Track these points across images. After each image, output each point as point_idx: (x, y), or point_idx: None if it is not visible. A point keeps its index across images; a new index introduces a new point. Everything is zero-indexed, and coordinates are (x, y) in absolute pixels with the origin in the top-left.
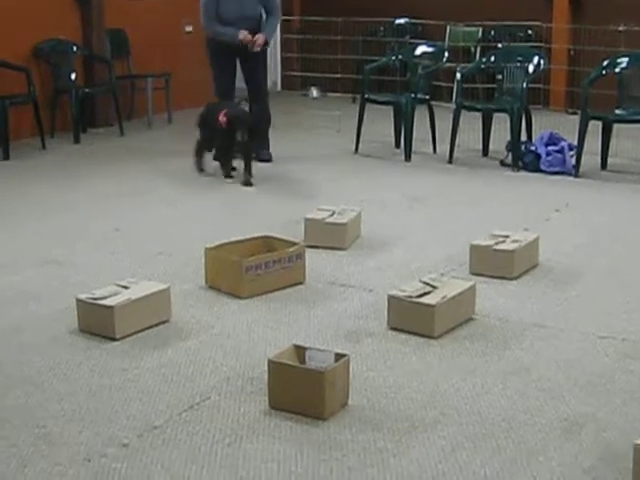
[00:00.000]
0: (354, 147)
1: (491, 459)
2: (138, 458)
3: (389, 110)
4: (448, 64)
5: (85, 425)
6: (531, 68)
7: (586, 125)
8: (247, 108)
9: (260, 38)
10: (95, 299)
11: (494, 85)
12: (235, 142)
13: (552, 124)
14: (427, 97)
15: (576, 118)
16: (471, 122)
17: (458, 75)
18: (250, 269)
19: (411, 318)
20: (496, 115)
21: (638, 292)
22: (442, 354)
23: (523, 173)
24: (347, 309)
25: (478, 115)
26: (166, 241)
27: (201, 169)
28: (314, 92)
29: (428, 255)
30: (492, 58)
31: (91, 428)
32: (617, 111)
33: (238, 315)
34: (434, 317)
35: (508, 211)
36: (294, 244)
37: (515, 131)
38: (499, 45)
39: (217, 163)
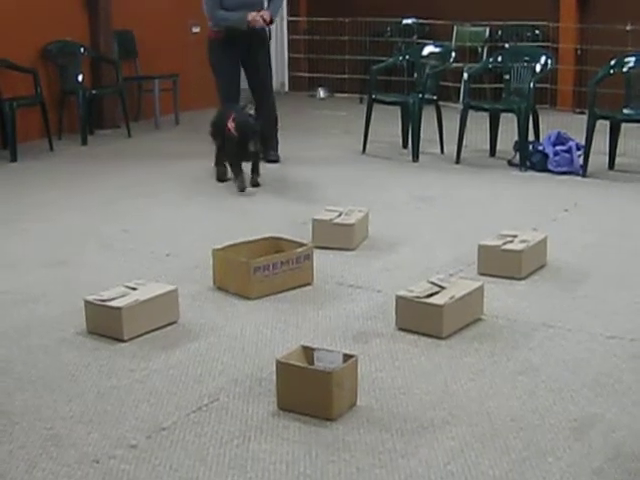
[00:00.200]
0: (361, 147)
1: (500, 459)
2: (146, 459)
3: (396, 110)
4: (455, 64)
5: (93, 426)
6: (538, 68)
7: (594, 125)
8: (253, 111)
9: (265, 14)
10: (103, 300)
11: (501, 85)
12: (246, 151)
13: (559, 124)
14: (434, 97)
15: (583, 118)
16: (478, 122)
17: (465, 75)
18: (258, 270)
19: (419, 318)
20: (503, 115)
21: None
22: (450, 354)
23: (531, 173)
24: (355, 310)
25: (485, 115)
26: (174, 242)
27: (221, 179)
28: (321, 93)
29: (436, 255)
30: (499, 58)
31: (99, 429)
32: (625, 110)
33: (246, 316)
34: (442, 317)
35: (516, 211)
36: (302, 245)
37: (523, 131)
38: (506, 45)
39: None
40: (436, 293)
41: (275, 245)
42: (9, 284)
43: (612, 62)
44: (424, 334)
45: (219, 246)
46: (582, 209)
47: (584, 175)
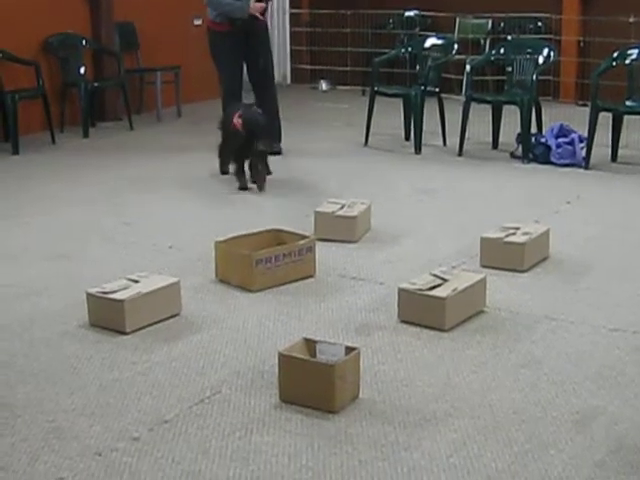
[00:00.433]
0: (364, 140)
1: (502, 452)
2: (149, 452)
3: (399, 103)
4: (458, 56)
5: (95, 419)
6: (541, 60)
7: (596, 117)
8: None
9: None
10: (105, 293)
11: (504, 77)
12: (252, 150)
13: (562, 116)
14: (437, 89)
15: (586, 110)
16: (481, 114)
17: (468, 67)
18: (260, 262)
19: (422, 311)
20: (506, 107)
21: None
22: (453, 347)
23: (533, 165)
24: (357, 302)
25: (488, 107)
26: (176, 235)
27: (224, 171)
28: (323, 85)
29: (438, 248)
30: (502, 50)
31: (101, 422)
32: (627, 103)
33: (248, 308)
34: (445, 310)
35: (518, 203)
36: (304, 237)
37: (525, 123)
38: (509, 37)
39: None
40: (438, 285)
41: (277, 237)
42: (12, 277)
43: (615, 54)
44: (426, 326)
45: (221, 238)
46: (585, 201)
47: (587, 167)
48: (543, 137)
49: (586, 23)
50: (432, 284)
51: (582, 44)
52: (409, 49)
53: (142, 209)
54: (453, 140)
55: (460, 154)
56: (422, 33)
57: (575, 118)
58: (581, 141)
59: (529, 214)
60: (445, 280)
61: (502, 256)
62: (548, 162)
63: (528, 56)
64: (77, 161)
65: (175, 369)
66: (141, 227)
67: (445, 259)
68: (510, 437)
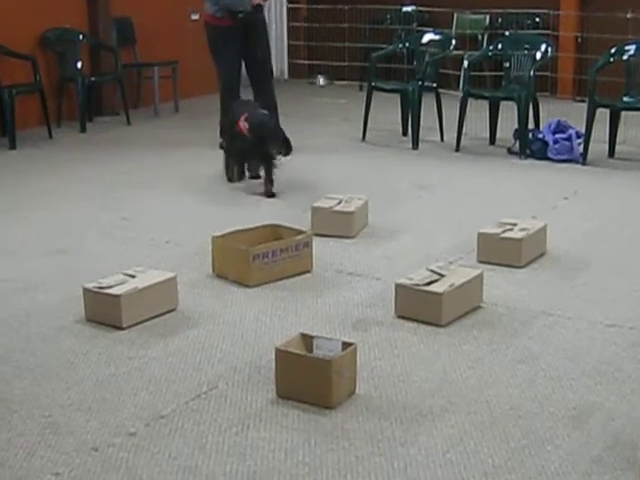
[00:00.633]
0: (361, 135)
1: (499, 447)
2: (145, 447)
3: (396, 98)
4: (455, 52)
5: (92, 414)
6: (538, 56)
7: (594, 113)
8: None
9: None
10: (102, 288)
11: (501, 73)
12: (260, 155)
13: (560, 112)
14: (434, 85)
15: (584, 106)
16: (478, 110)
17: (465, 63)
18: (257, 257)
19: (419, 306)
20: (503, 103)
21: None
22: (450, 342)
23: (530, 161)
24: (354, 297)
25: (485, 103)
26: (173, 230)
27: (231, 179)
28: (321, 80)
29: (435, 243)
30: (499, 46)
31: (98, 417)
32: (625, 98)
33: (245, 304)
34: (442, 305)
35: (516, 199)
36: (301, 232)
37: (522, 119)
38: (506, 33)
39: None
40: (435, 281)
41: (274, 233)
42: (9, 272)
43: (612, 50)
44: (423, 322)
45: (218, 233)
46: (582, 197)
47: (584, 163)
48: (540, 133)
49: (584, 19)
50: (429, 279)
51: (580, 40)
52: (407, 44)
53: (139, 204)
54: (450, 136)
55: (457, 150)
56: (420, 28)
57: (572, 114)
58: (578, 137)
59: (526, 210)
60: (442, 275)
61: (499, 252)
62: (545, 158)
63: (526, 52)
64: (74, 156)
65: (172, 364)
66: (138, 222)
67: (442, 254)
68: (507, 433)
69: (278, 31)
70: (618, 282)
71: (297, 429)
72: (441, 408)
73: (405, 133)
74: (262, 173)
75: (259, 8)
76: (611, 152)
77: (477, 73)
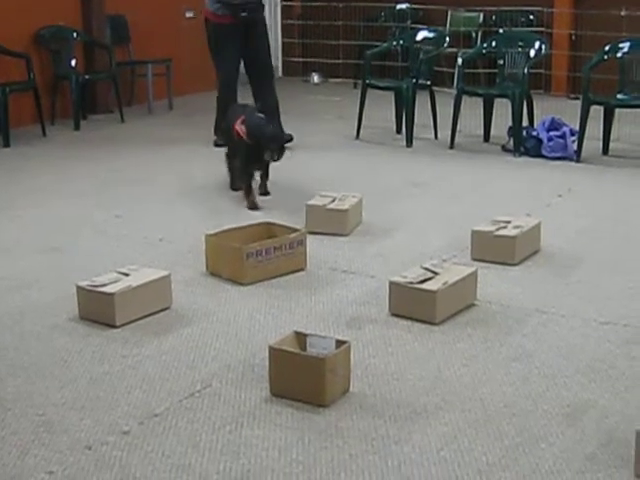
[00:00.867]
0: (355, 133)
1: (493, 445)
2: (139, 446)
3: (390, 96)
4: (449, 49)
5: (85, 413)
6: (532, 53)
7: (588, 110)
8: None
9: None
10: (95, 286)
11: (495, 70)
12: (260, 161)
13: (554, 109)
14: (428, 82)
15: (578, 103)
16: (472, 107)
17: (459, 60)
18: (251, 255)
19: (413, 304)
20: (497, 100)
21: None
22: (444, 340)
23: (525, 158)
24: (348, 295)
25: (479, 100)
26: (167, 228)
27: (236, 188)
28: (315, 78)
29: (429, 241)
30: (493, 43)
31: (91, 416)
32: (619, 96)
33: (239, 302)
34: (436, 303)
35: (510, 197)
36: (295, 230)
37: (517, 116)
38: (500, 30)
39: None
40: (429, 279)
41: (268, 230)
42: (2, 270)
43: (606, 47)
44: (417, 320)
45: (212, 232)
46: (576, 194)
47: (578, 160)
48: (534, 130)
49: (578, 16)
50: (423, 277)
51: (574, 37)
52: (401, 42)
53: (133, 202)
54: (444, 133)
55: (451, 147)
56: (414, 26)
57: (566, 111)
58: (572, 134)
59: (520, 207)
60: (436, 273)
61: (493, 249)
62: (539, 155)
63: (520, 49)
64: (68, 154)
65: (165, 362)
66: (132, 220)
67: (436, 252)
68: (501, 430)
69: (272, 29)
70: (612, 279)
71: (291, 427)
72: (435, 406)
73: (399, 131)
74: (257, 177)
75: (259, 1)
76: (605, 149)
77: (471, 70)
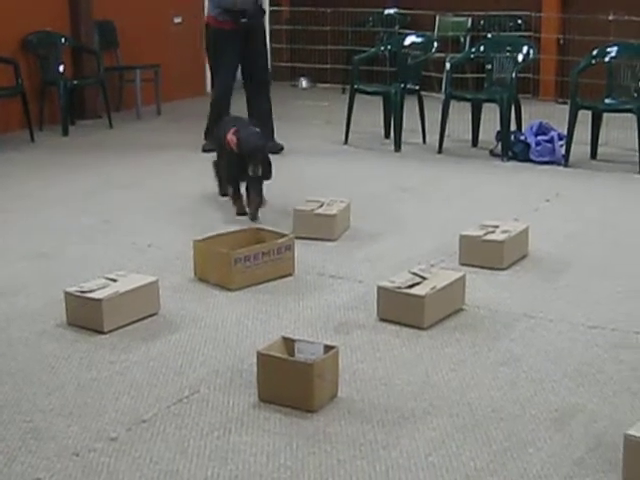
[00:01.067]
0: (344, 138)
1: (481, 450)
2: (127, 452)
3: (379, 100)
4: (437, 54)
5: (73, 419)
6: (520, 58)
7: (576, 114)
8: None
9: None
10: (83, 292)
11: (484, 75)
12: (246, 174)
13: (542, 114)
14: (417, 87)
15: (566, 108)
16: (461, 112)
17: (447, 65)
18: (239, 261)
19: (401, 309)
20: (486, 105)
21: (628, 282)
22: (432, 345)
23: (513, 163)
24: (336, 300)
25: (468, 105)
26: (155, 234)
27: (224, 194)
28: (303, 83)
29: (418, 246)
30: (481, 48)
31: (79, 422)
32: (606, 100)
33: (227, 307)
34: (424, 308)
35: (498, 201)
36: (283, 236)
37: (505, 121)
38: (488, 35)
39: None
40: (417, 284)
41: (256, 236)
42: None
43: (594, 52)
44: (405, 325)
45: (200, 237)
46: (564, 199)
47: (566, 165)
48: (522, 135)
49: (566, 21)
50: (411, 282)
51: (562, 42)
52: (389, 47)
53: (121, 207)
54: (433, 138)
55: (440, 152)
56: (402, 31)
57: (555, 116)
58: (560, 139)
59: (508, 212)
60: (424, 278)
61: (481, 254)
62: (527, 160)
63: (508, 54)
64: (56, 159)
65: (153, 368)
66: (120, 225)
67: (424, 257)
68: (489, 435)
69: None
70: (600, 284)
71: (279, 433)
72: (423, 411)
73: (387, 135)
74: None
75: (259, 8)
76: (593, 154)
77: (459, 75)
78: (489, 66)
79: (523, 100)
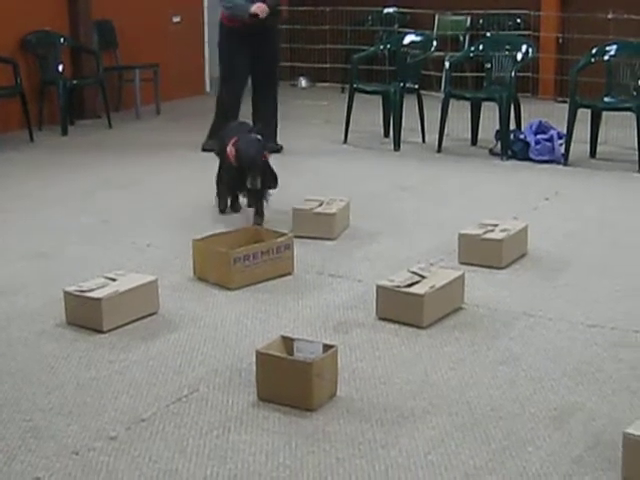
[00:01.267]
0: (343, 137)
1: (480, 449)
2: (126, 451)
3: (378, 100)
4: (437, 53)
5: (72, 418)
6: (520, 56)
7: (575, 113)
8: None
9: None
10: (82, 291)
11: (483, 74)
12: (243, 186)
13: (541, 112)
14: (416, 86)
15: (565, 106)
16: (460, 111)
17: (447, 64)
18: (238, 260)
19: (400, 308)
20: (485, 104)
21: (627, 281)
22: (431, 344)
23: (512, 162)
24: (335, 300)
25: (467, 104)
26: (154, 233)
27: (222, 210)
28: (303, 82)
29: (417, 245)
30: (481, 47)
31: (78, 421)
32: (606, 99)
33: (226, 306)
34: (423, 307)
35: (497, 200)
36: (282, 235)
37: (504, 120)
38: (487, 34)
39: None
40: (416, 282)
41: (255, 235)
42: None
43: (593, 51)
44: (404, 323)
45: (199, 237)
46: (563, 198)
47: (565, 164)
48: (522, 134)
49: (565, 20)
50: (410, 281)
51: (561, 41)
52: (388, 46)
53: (120, 207)
54: (432, 137)
55: (439, 151)
56: (401, 30)
57: (554, 114)
58: (560, 137)
59: (508, 210)
60: (423, 277)
61: (480, 253)
62: (527, 159)
63: (507, 53)
64: (55, 159)
65: (152, 368)
66: (119, 225)
67: (423, 256)
68: (488, 434)
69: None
70: (599, 282)
71: (278, 432)
72: (422, 410)
73: (387, 134)
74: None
75: (254, 18)
76: (592, 152)
77: (458, 74)
78: (488, 65)
79: (522, 99)
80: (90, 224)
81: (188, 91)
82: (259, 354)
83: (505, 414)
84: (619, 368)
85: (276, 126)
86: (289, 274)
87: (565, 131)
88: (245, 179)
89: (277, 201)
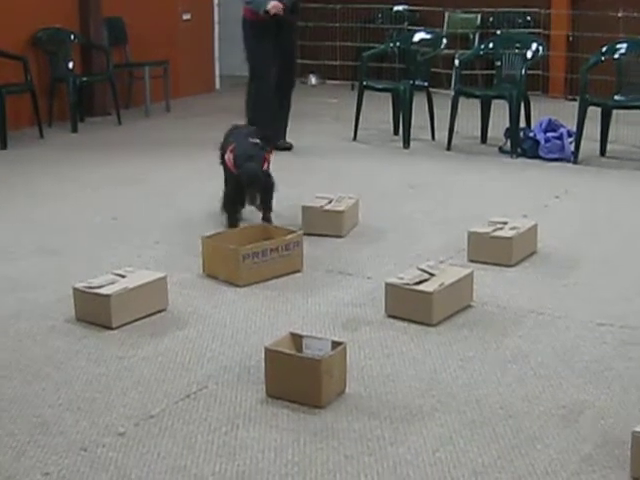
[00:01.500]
0: (352, 134)
1: (489, 447)
2: (134, 447)
3: (388, 97)
4: (446, 51)
5: (82, 414)
6: (530, 54)
7: (585, 111)
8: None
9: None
10: (92, 288)
11: (493, 72)
12: (243, 199)
13: (551, 110)
14: (426, 84)
15: (575, 104)
16: (470, 109)
17: (457, 62)
18: (247, 257)
19: (409, 306)
20: (495, 102)
21: (636, 279)
22: (440, 342)
23: (522, 160)
24: (344, 297)
25: (477, 102)
26: (163, 230)
27: (232, 224)
28: (313, 79)
29: (426, 242)
30: (491, 45)
31: (87, 417)
32: (616, 97)
33: (235, 303)
34: (432, 304)
35: (506, 198)
36: (291, 232)
37: (514, 117)
38: (498, 32)
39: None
40: (426, 280)
41: (264, 232)
42: None
43: (603, 49)
44: (413, 321)
45: (209, 233)
46: (573, 196)
47: (575, 162)
48: (532, 131)
49: (575, 17)
50: (419, 279)
51: (571, 39)
52: (398, 44)
53: (130, 204)
54: (442, 134)
55: (449, 148)
56: (411, 28)
57: (564, 112)
58: (570, 135)
59: (517, 208)
60: (432, 275)
61: (490, 251)
62: (537, 157)
63: (517, 50)
64: (65, 156)
65: (161, 364)
66: (128, 222)
67: (432, 253)
68: (497, 432)
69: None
70: (609, 281)
71: (286, 428)
72: (431, 407)
73: (396, 132)
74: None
75: (267, 15)
76: (602, 151)
77: (468, 72)
78: (498, 63)
79: (532, 97)
80: (100, 221)
81: (198, 88)
82: (268, 351)
83: (514, 412)
84: (628, 366)
85: (287, 124)
86: (298, 271)
87: (575, 129)
88: (242, 194)
89: (286, 198)
